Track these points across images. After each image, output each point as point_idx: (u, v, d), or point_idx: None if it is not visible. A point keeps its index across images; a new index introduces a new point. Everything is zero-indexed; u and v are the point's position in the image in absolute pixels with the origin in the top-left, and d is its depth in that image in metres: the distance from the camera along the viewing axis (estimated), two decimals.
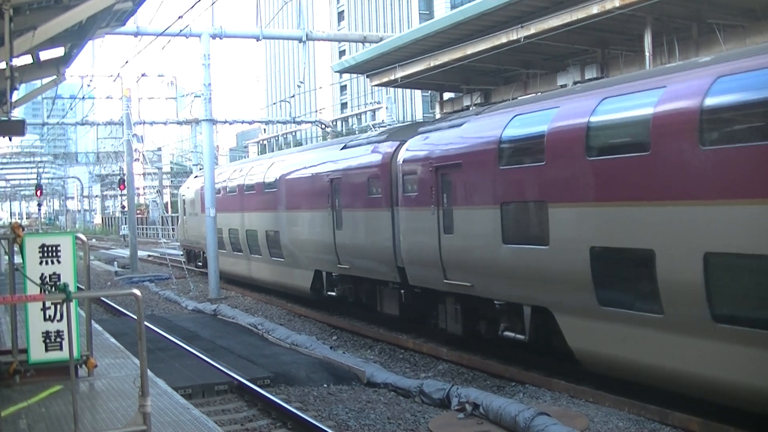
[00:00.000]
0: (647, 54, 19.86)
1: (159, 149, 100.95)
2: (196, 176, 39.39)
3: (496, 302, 16.13)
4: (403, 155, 19.85)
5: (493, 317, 16.66)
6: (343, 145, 24.45)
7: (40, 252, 10.28)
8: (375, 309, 22.11)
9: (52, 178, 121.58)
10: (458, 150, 17.45)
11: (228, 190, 33.25)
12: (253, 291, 32.10)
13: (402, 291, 20.35)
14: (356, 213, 22.09)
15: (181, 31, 28.54)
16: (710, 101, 11.20)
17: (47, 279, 10.23)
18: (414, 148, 19.54)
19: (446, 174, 17.71)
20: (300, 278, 25.93)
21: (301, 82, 39.11)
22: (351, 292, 23.22)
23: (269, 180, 28.74)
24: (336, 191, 23.18)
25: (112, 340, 14.65)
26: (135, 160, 48.80)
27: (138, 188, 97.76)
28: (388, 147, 21.08)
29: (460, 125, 18.10)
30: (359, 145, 23.27)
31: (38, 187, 70.00)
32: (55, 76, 20.98)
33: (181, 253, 43.68)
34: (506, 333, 16.04)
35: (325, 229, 23.56)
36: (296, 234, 26.05)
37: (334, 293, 23.85)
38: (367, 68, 30.43)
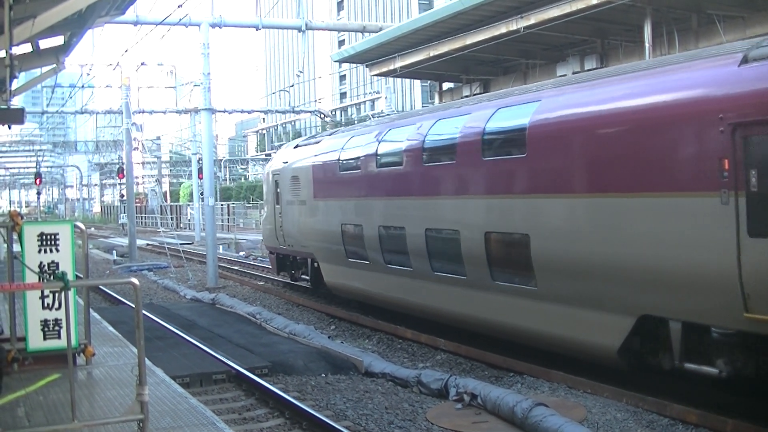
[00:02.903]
0: (647, 45, 19.87)
1: (158, 138, 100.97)
2: (297, 146, 27.36)
3: None
4: None
5: None
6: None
7: (38, 240, 10.27)
8: None
9: (51, 167, 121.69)
10: None
11: (339, 166, 22.55)
12: (251, 280, 32.08)
13: None
14: None
15: (180, 20, 28.51)
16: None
17: (46, 267, 10.22)
18: None
19: None
20: (583, 327, 13.67)
21: (301, 72, 38.94)
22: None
23: (499, 137, 16.13)
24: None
25: (110, 328, 14.65)
26: (134, 149, 48.78)
27: (137, 177, 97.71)
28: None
29: None
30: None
31: (37, 175, 69.89)
32: (54, 65, 20.97)
33: (270, 259, 30.93)
34: None
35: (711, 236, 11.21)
36: (599, 244, 13.16)
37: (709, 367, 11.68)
38: (366, 58, 30.48)
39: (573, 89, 14.55)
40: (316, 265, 24.77)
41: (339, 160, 22.52)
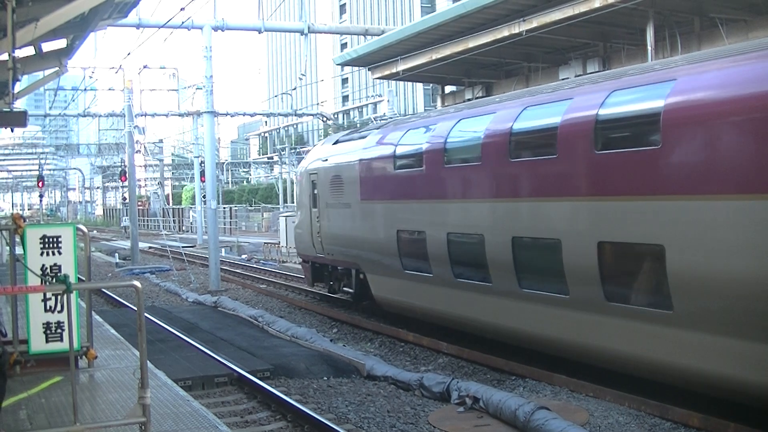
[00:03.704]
0: (649, 48, 19.87)
1: (160, 141, 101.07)
2: (338, 142, 24.43)
3: None
4: None
5: None
6: None
7: (41, 243, 10.28)
8: None
9: (53, 170, 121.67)
10: None
11: (395, 164, 19.70)
12: (253, 283, 32.08)
13: None
14: None
15: (183, 23, 28.54)
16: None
17: (48, 270, 10.23)
18: None
19: None
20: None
21: (303, 75, 38.88)
22: None
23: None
24: None
25: (112, 331, 14.66)
26: (136, 151, 48.76)
27: (139, 180, 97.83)
28: None
29: None
30: None
31: (40, 178, 69.95)
32: (57, 68, 21.00)
33: (303, 269, 27.75)
34: None
35: None
36: None
37: None
38: (368, 61, 30.47)
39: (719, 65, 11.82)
40: (361, 276, 21.92)
41: (394, 156, 19.65)
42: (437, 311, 18.47)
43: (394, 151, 19.66)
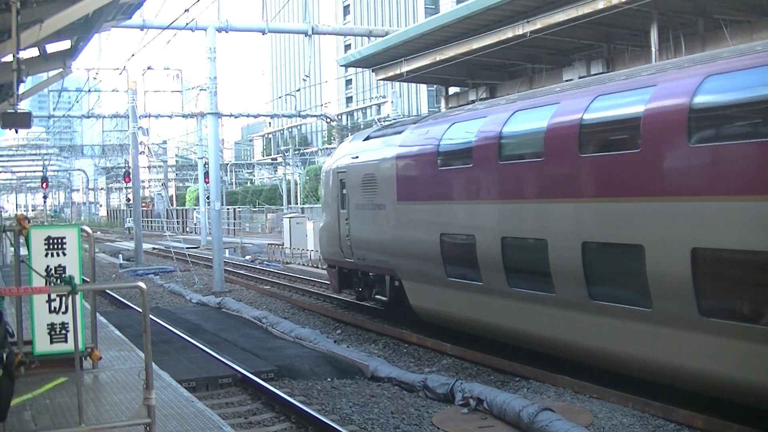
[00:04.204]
0: (653, 49, 19.87)
1: (164, 142, 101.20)
2: (369, 138, 22.75)
3: None
4: None
5: None
6: None
7: (45, 244, 10.30)
8: None
9: (57, 171, 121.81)
10: None
11: (438, 161, 18.14)
12: (257, 284, 32.09)
13: None
14: None
15: (187, 24, 28.55)
16: None
17: (52, 271, 10.25)
18: None
19: None
20: None
21: (307, 76, 38.89)
22: None
23: None
24: None
25: (117, 332, 14.67)
26: (140, 152, 48.83)
27: (143, 181, 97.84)
28: None
29: None
30: None
31: (44, 179, 70.21)
32: (61, 69, 21.02)
33: (329, 274, 25.83)
34: None
35: None
36: None
37: None
38: (372, 62, 30.47)
39: None
40: (396, 284, 20.39)
41: (437, 152, 18.01)
42: (486, 323, 16.69)
43: (438, 146, 18.05)
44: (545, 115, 14.60)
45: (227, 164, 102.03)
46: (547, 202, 14.37)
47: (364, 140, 22.86)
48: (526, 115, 15.62)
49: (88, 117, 56.46)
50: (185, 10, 22.89)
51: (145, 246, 48.64)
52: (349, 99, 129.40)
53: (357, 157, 22.33)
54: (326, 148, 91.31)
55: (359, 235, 21.90)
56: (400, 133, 20.41)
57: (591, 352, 13.81)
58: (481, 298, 16.49)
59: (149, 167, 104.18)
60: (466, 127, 17.40)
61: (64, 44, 20.20)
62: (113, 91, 52.11)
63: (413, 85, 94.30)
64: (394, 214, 19.76)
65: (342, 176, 23.08)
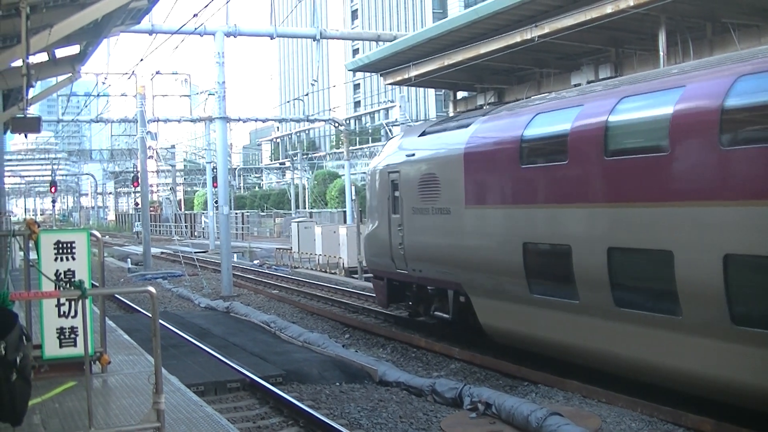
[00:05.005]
0: (661, 53, 19.84)
1: (173, 147, 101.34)
2: (425, 133, 20.48)
3: None
4: None
5: None
6: None
7: (55, 248, 10.31)
8: None
9: (66, 175, 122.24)
10: None
11: (521, 157, 15.58)
12: (265, 288, 32.11)
13: None
14: None
15: (195, 29, 28.61)
16: None
17: (62, 275, 10.26)
18: None
19: None
20: None
21: (315, 81, 38.97)
22: None
23: None
24: None
25: (125, 336, 14.68)
26: (149, 157, 48.95)
27: (151, 185, 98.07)
28: None
29: None
30: None
31: (53, 183, 70.34)
32: (70, 74, 21.12)
33: (375, 287, 23.40)
34: None
35: None
36: None
37: None
38: (380, 67, 30.48)
39: None
40: (462, 299, 17.86)
41: (520, 147, 15.48)
42: (582, 348, 14.17)
43: (520, 140, 15.49)
44: (668, 100, 12.32)
45: (235, 168, 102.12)
46: (675, 205, 11.93)
47: (419, 136, 20.50)
48: (638, 102, 13.38)
49: (97, 121, 56.55)
50: (194, 15, 22.92)
51: (154, 250, 48.69)
52: (357, 103, 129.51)
53: (413, 154, 19.96)
54: (334, 153, 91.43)
55: (416, 244, 19.51)
56: (466, 126, 17.92)
57: (732, 387, 11.40)
58: (577, 319, 14.01)
59: (157, 172, 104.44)
60: (556, 117, 15.09)
61: (73, 49, 20.30)
62: (122, 95, 52.25)
63: (421, 89, 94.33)
64: (462, 219, 17.35)
65: (394, 177, 20.70)
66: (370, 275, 24.23)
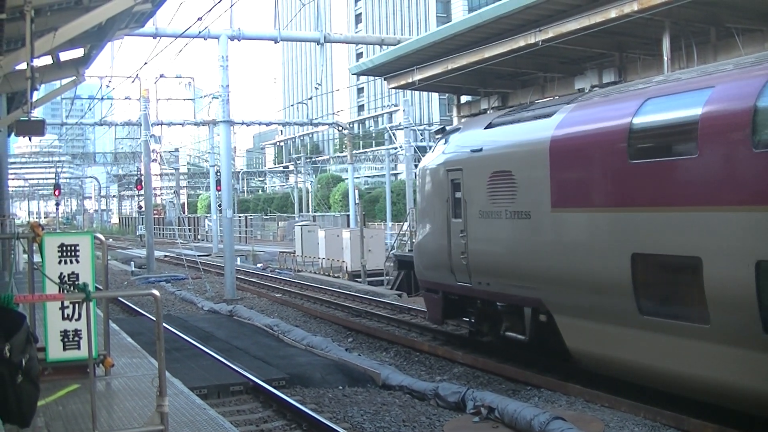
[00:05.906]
0: (665, 58, 19.84)
1: (176, 150, 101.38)
2: (492, 124, 17.81)
3: None
4: None
5: None
6: None
7: (59, 251, 10.31)
8: None
9: (70, 178, 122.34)
10: None
11: (630, 151, 13.01)
12: (268, 292, 32.10)
13: None
14: None
15: (199, 32, 28.65)
16: None
17: (66, 278, 10.27)
18: None
19: None
20: None
21: (319, 84, 39.01)
22: None
23: None
24: None
25: (129, 339, 14.69)
26: (152, 160, 49.05)
27: (155, 189, 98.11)
28: None
29: None
30: None
31: (56, 186, 70.38)
32: (74, 77, 21.14)
33: (427, 301, 20.46)
34: None
35: None
36: None
37: None
38: (384, 71, 30.49)
39: None
40: (543, 318, 15.30)
41: (628, 138, 12.97)
42: (714, 381, 11.61)
43: (628, 131, 13.00)
44: None
45: (239, 172, 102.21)
46: None
47: (485, 128, 17.81)
48: None
49: (101, 125, 56.69)
50: (198, 19, 22.98)
51: (157, 253, 48.73)
52: (360, 107, 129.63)
53: (479, 149, 17.30)
54: (338, 156, 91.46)
55: (482, 253, 17.05)
56: (548, 116, 15.42)
57: None
58: (707, 347, 11.60)
59: (161, 175, 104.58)
60: (678, 102, 12.73)
61: (78, 52, 20.34)
62: (126, 99, 52.41)
63: (425, 93, 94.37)
64: (547, 224, 14.87)
65: (454, 175, 18.07)
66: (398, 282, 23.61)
